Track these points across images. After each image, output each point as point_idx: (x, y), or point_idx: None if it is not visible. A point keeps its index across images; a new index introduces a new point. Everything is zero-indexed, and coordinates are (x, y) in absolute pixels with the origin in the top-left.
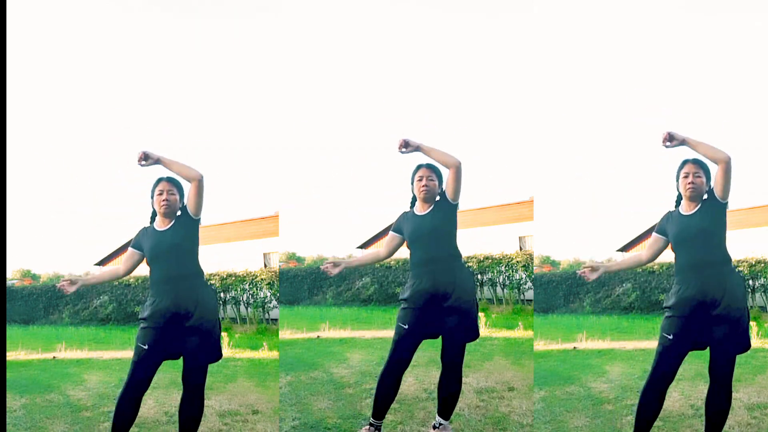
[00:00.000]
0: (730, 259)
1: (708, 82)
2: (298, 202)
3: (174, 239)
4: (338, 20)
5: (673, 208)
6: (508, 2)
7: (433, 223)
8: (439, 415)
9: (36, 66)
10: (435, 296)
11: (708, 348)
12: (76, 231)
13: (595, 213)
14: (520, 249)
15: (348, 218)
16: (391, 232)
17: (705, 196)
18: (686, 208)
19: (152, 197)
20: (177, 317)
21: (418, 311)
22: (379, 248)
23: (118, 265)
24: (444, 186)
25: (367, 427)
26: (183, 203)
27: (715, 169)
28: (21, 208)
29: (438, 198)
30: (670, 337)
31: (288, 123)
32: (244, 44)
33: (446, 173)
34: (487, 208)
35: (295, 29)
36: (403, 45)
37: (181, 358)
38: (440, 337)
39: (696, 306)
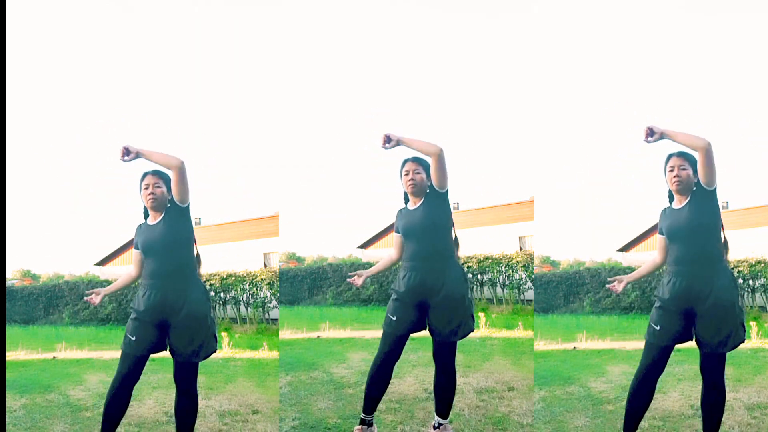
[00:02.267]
0: (723, 254)
1: (708, 82)
2: (298, 202)
3: (165, 232)
4: (338, 19)
5: (667, 205)
6: (508, 2)
7: (423, 217)
8: (437, 414)
9: (36, 66)
10: (425, 292)
11: (698, 345)
12: (76, 231)
13: (595, 213)
14: (520, 249)
15: (348, 218)
16: (394, 234)
17: (694, 188)
18: (677, 202)
19: (140, 192)
20: (167, 312)
21: (408, 306)
22: (391, 252)
23: (130, 268)
24: (431, 177)
25: (360, 427)
26: (171, 195)
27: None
28: (21, 208)
29: (428, 191)
30: (657, 327)
31: (288, 123)
32: (244, 43)
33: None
34: (487, 208)
35: (297, 27)
36: (403, 45)
37: (170, 355)
38: (431, 335)
39: (686, 300)
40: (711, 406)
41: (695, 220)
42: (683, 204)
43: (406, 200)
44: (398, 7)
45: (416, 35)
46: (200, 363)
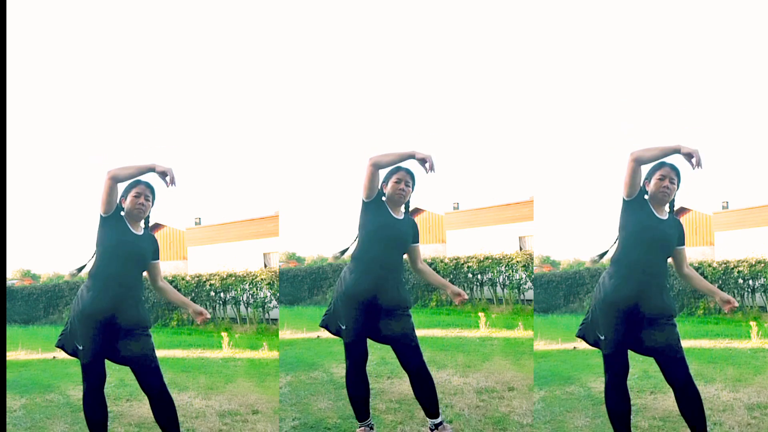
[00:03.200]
0: (668, 272)
1: (708, 82)
2: (298, 202)
3: (146, 248)
4: (338, 20)
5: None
6: (508, 2)
7: (405, 232)
8: (428, 417)
9: (36, 66)
10: (372, 292)
11: (658, 356)
12: (76, 231)
13: (595, 213)
14: (520, 249)
15: (348, 218)
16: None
17: (667, 208)
18: (658, 212)
19: (125, 196)
20: (117, 311)
21: (352, 309)
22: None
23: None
24: (420, 260)
25: (362, 428)
26: (149, 213)
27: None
28: (21, 208)
29: (406, 207)
30: (602, 337)
31: (288, 123)
32: (244, 43)
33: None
34: (487, 208)
35: (297, 28)
36: (402, 45)
37: (132, 367)
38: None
39: (626, 301)
40: (697, 406)
41: (670, 239)
42: (666, 218)
43: (377, 198)
44: (398, 7)
45: (416, 35)
46: (200, 363)
